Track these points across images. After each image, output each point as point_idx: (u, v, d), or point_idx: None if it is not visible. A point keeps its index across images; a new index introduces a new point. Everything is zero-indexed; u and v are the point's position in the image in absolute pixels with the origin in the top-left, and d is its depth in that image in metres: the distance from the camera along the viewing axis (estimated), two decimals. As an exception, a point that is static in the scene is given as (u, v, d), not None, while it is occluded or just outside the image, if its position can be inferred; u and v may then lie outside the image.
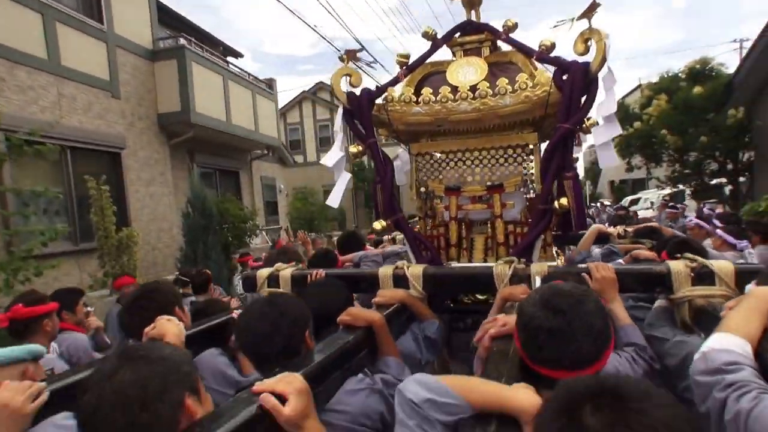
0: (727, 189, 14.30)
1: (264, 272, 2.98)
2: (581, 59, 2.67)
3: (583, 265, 2.56)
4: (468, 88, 2.88)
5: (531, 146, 3.07)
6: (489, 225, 3.20)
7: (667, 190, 17.11)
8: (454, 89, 2.92)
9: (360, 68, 3.16)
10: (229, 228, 10.94)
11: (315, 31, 16.76)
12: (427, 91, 2.92)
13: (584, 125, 2.71)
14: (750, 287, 1.85)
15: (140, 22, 10.77)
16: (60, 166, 8.62)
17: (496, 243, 3.10)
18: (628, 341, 2.03)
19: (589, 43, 2.63)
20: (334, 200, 3.21)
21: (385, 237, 4.68)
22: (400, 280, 2.69)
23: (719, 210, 8.00)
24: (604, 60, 2.59)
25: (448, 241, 3.21)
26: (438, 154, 3.23)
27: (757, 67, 10.64)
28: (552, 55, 2.83)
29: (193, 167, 12.00)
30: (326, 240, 12.33)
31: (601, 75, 2.65)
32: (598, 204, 21.74)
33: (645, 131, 13.36)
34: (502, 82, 2.81)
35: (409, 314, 2.52)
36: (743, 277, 2.16)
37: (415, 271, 2.69)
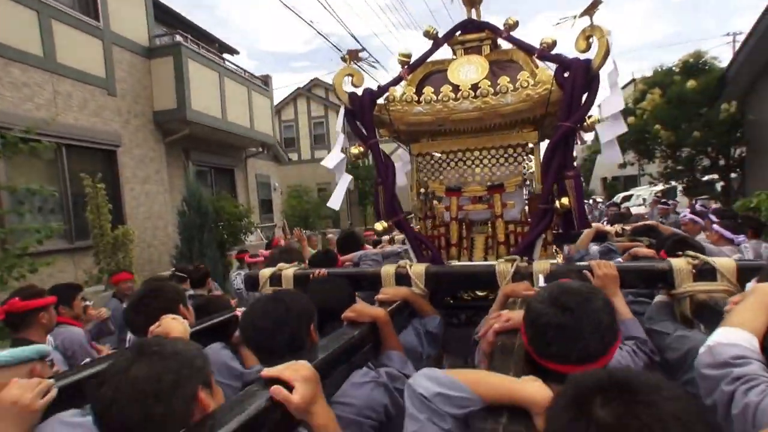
0: (719, 185, 14.38)
1: (266, 272, 3.00)
2: (583, 56, 2.68)
3: (585, 263, 2.59)
4: (469, 86, 2.89)
5: (531, 145, 3.08)
6: (489, 225, 3.21)
7: (660, 187, 17.17)
8: (456, 88, 2.92)
9: (361, 68, 3.17)
10: (224, 226, 10.93)
11: (311, 26, 16.75)
12: (428, 91, 2.92)
13: (585, 123, 2.72)
14: (751, 284, 1.88)
15: (136, 20, 10.73)
16: (55, 164, 8.59)
17: (497, 242, 3.11)
18: (629, 335, 2.06)
19: (590, 40, 2.64)
20: (335, 202, 3.22)
21: (384, 237, 4.70)
22: (401, 279, 2.73)
23: (715, 206, 8.06)
24: (605, 57, 2.60)
25: (448, 241, 3.22)
26: (438, 155, 3.24)
27: (749, 61, 10.70)
28: (553, 52, 2.85)
29: (189, 165, 11.96)
30: (321, 237, 12.32)
31: (605, 71, 2.66)
32: (591, 201, 21.79)
33: (638, 126, 13.39)
34: (504, 80, 2.82)
35: (410, 310, 2.57)
36: (745, 273, 2.19)
37: (417, 269, 2.72)
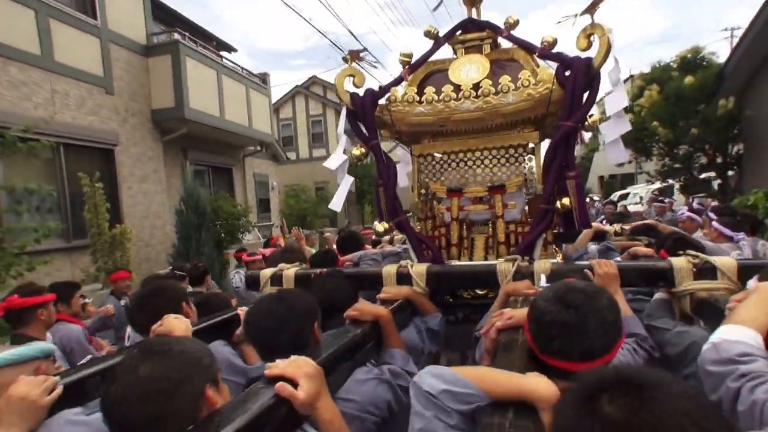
0: (716, 183, 14.38)
1: (267, 272, 3.01)
2: (584, 55, 2.68)
3: (585, 262, 2.61)
4: (471, 86, 2.89)
5: (532, 145, 3.09)
6: (489, 225, 3.22)
7: (657, 185, 17.18)
8: (457, 88, 2.93)
9: (363, 68, 3.17)
10: (221, 225, 10.93)
11: (310, 24, 16.71)
12: (430, 91, 2.93)
13: (587, 123, 2.72)
14: (752, 283, 1.89)
15: (134, 18, 10.69)
16: (53, 163, 8.57)
17: (497, 242, 3.12)
18: (629, 332, 2.07)
19: (591, 39, 2.65)
20: (336, 204, 3.23)
21: (384, 237, 4.71)
22: (402, 278, 2.74)
23: (714, 203, 8.08)
24: (607, 55, 2.61)
25: (448, 241, 3.23)
26: (440, 155, 3.24)
27: (747, 56, 10.60)
28: (554, 51, 2.85)
29: (187, 164, 11.93)
30: (319, 236, 12.32)
31: (606, 69, 2.67)
32: (588, 199, 21.83)
33: (636, 124, 13.38)
34: (505, 79, 2.83)
35: (412, 309, 2.59)
36: (746, 272, 2.20)
37: (418, 269, 2.73)
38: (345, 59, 3.08)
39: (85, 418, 1.49)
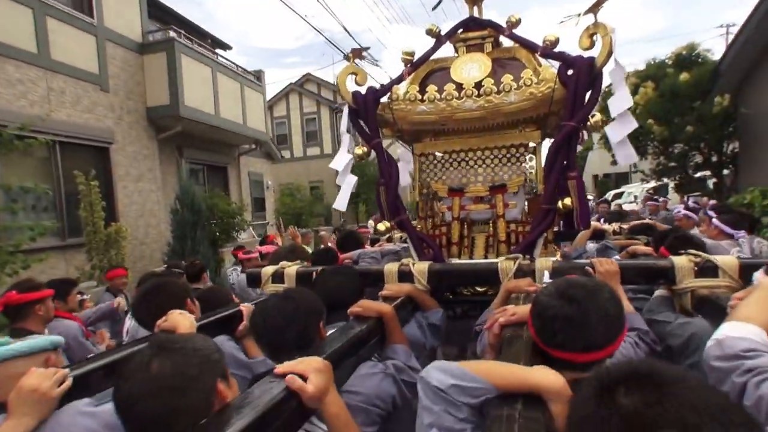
0: (711, 182, 14.43)
1: (269, 269, 3.01)
2: (586, 54, 2.69)
3: (586, 261, 2.62)
4: (473, 85, 2.89)
5: (534, 145, 3.10)
6: (490, 224, 3.23)
7: (652, 184, 17.24)
8: (459, 87, 2.93)
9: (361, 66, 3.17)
10: (217, 223, 10.91)
11: (305, 20, 16.64)
12: (432, 89, 2.93)
13: (589, 123, 2.73)
14: (758, 275, 1.91)
15: (130, 16, 10.64)
16: (48, 162, 8.53)
17: (497, 241, 3.14)
18: (631, 327, 2.10)
19: (594, 38, 2.66)
20: (341, 204, 3.23)
21: (383, 237, 4.72)
22: (404, 276, 2.75)
23: (712, 202, 8.11)
24: (609, 55, 2.61)
25: (449, 240, 3.24)
26: (441, 155, 3.25)
27: (743, 53, 10.63)
28: (556, 50, 2.85)
29: (182, 163, 11.89)
30: (314, 235, 12.31)
31: (608, 69, 2.67)
32: (582, 198, 21.81)
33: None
34: (507, 78, 2.83)
35: (414, 305, 2.61)
36: (747, 270, 2.22)
37: (420, 267, 2.74)
38: (347, 57, 3.08)
39: (95, 409, 1.51)
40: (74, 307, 4.11)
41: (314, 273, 2.78)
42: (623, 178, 28.15)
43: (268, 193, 17.58)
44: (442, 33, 3.20)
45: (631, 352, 1.94)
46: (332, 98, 26.56)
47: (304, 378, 1.36)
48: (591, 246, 3.94)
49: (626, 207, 14.50)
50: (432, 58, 3.22)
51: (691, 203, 8.96)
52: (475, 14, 3.25)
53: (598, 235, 4.12)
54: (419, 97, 2.96)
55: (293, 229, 6.61)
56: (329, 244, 5.91)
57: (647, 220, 5.14)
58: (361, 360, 1.91)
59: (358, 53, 3.07)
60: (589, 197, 23.03)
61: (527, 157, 3.15)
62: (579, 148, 3.35)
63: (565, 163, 2.79)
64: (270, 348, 1.87)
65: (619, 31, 2.62)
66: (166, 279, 2.50)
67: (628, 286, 2.59)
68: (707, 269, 2.34)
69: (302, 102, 26.58)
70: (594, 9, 2.64)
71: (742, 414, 0.82)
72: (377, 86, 3.09)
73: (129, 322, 3.24)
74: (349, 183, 3.19)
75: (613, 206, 12.37)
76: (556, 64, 2.83)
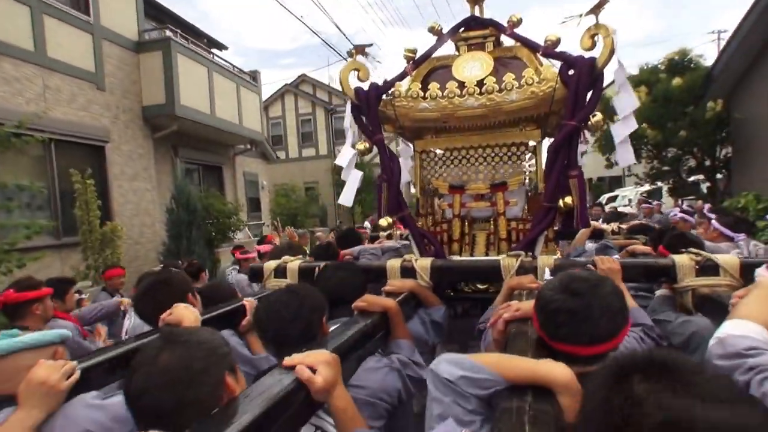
0: (705, 186, 14.51)
1: (271, 264, 3.02)
2: (587, 54, 2.70)
3: (588, 259, 2.64)
4: (475, 83, 2.91)
5: (534, 144, 3.12)
6: (491, 221, 3.24)
7: (646, 187, 17.32)
8: (461, 84, 2.94)
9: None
10: (212, 223, 10.87)
11: (301, 21, 16.67)
12: (434, 87, 2.94)
13: (590, 122, 2.75)
14: (760, 271, 1.92)
15: (126, 14, 10.63)
16: (43, 160, 8.49)
17: (498, 239, 3.15)
18: (635, 322, 2.11)
19: (595, 39, 2.67)
20: (347, 199, 3.23)
21: (381, 233, 4.75)
22: (406, 272, 2.76)
23: (708, 205, 8.17)
24: (611, 55, 2.63)
25: (450, 237, 3.25)
26: (442, 152, 3.26)
27: (735, 59, 10.71)
28: (557, 50, 2.87)
29: (177, 162, 11.85)
30: (310, 235, 12.30)
31: (611, 70, 2.69)
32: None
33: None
34: (509, 77, 2.84)
35: (417, 301, 2.62)
36: (748, 269, 2.22)
37: (423, 263, 2.75)
38: (350, 53, 3.09)
39: (103, 402, 1.52)
40: (72, 307, 4.08)
41: (316, 268, 2.78)
42: (617, 182, 28.22)
43: (263, 193, 17.55)
44: (444, 31, 3.21)
45: (635, 347, 1.95)
46: (328, 99, 26.56)
47: (312, 370, 1.36)
48: (590, 246, 3.96)
49: (621, 210, 14.57)
50: (434, 56, 3.23)
51: (685, 207, 9.01)
52: (477, 14, 3.26)
53: (597, 235, 4.14)
54: (421, 94, 2.97)
55: (290, 230, 6.62)
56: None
57: (646, 221, 5.16)
58: (366, 355, 1.92)
59: (361, 50, 3.08)
60: (584, 200, 23.10)
61: (527, 156, 3.16)
62: (585, 148, 3.38)
63: (565, 162, 2.80)
64: (273, 343, 1.88)
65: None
66: (168, 273, 2.51)
67: (628, 284, 2.61)
68: (708, 268, 2.36)
69: (297, 103, 26.56)
70: (595, 10, 2.66)
71: (756, 405, 0.83)
72: (379, 83, 3.09)
73: (128, 323, 3.22)
74: (354, 178, 3.20)
75: (608, 209, 12.41)
76: (558, 63, 2.85)
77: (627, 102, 2.79)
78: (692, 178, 14.77)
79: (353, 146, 3.10)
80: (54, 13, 8.70)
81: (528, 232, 2.97)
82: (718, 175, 13.79)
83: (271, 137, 24.30)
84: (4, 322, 3.26)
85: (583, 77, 2.67)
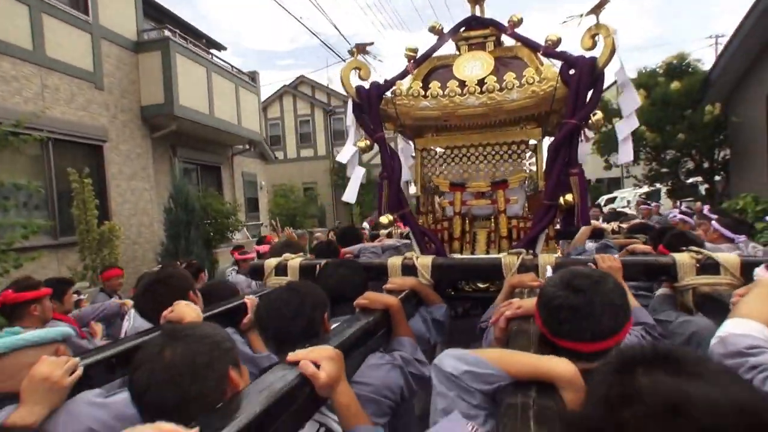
0: (703, 188, 14.55)
1: (272, 261, 3.01)
2: (588, 54, 2.71)
3: (589, 257, 2.64)
4: (476, 82, 2.91)
5: (534, 142, 3.13)
6: (491, 219, 3.25)
7: (644, 189, 17.36)
8: (462, 84, 2.95)
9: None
10: (210, 223, 10.85)
11: (300, 22, 16.66)
12: (435, 85, 2.94)
13: (590, 121, 2.76)
14: (759, 271, 1.92)
15: (125, 14, 10.62)
16: (41, 159, 8.47)
17: (499, 237, 3.15)
18: (637, 321, 2.11)
19: (596, 39, 2.68)
20: (350, 196, 3.23)
21: (382, 231, 4.75)
22: (407, 270, 2.76)
23: (707, 206, 8.20)
24: (611, 55, 2.64)
25: (451, 235, 3.25)
26: (443, 150, 3.26)
27: (733, 63, 10.83)
28: (558, 49, 2.87)
29: (175, 162, 11.83)
30: (309, 236, 12.30)
31: (613, 70, 2.70)
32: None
33: (623, 127, 13.44)
34: (510, 76, 2.85)
35: (418, 299, 2.62)
36: (748, 268, 2.22)
37: (424, 261, 2.75)
38: (351, 52, 3.09)
39: (106, 400, 1.51)
40: (70, 308, 4.05)
41: (317, 266, 2.78)
42: (615, 183, 28.24)
43: (262, 193, 17.55)
44: (445, 31, 3.21)
45: (636, 344, 1.96)
46: (326, 101, 26.56)
47: (315, 366, 1.36)
48: (590, 245, 3.96)
49: (619, 211, 14.59)
50: (434, 55, 3.23)
51: (683, 208, 9.02)
52: (477, 13, 3.26)
53: (597, 234, 4.14)
54: (422, 93, 2.97)
55: (289, 230, 6.61)
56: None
57: (645, 220, 5.17)
58: (368, 352, 1.92)
59: (362, 48, 3.08)
60: (582, 202, 23.12)
61: (527, 154, 3.17)
62: (588, 146, 3.40)
63: (566, 160, 2.80)
64: (275, 340, 1.86)
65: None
66: (170, 270, 2.50)
67: (629, 284, 2.61)
68: (708, 266, 2.36)
69: (296, 104, 26.57)
70: (596, 10, 2.67)
71: (762, 398, 0.82)
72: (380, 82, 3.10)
73: (127, 324, 3.20)
74: (357, 175, 3.21)
75: (607, 209, 12.44)
76: (558, 63, 2.86)
77: (630, 100, 2.81)
78: (690, 180, 14.84)
79: (354, 144, 3.10)
80: (53, 12, 8.69)
81: (529, 230, 2.98)
82: (717, 177, 13.85)
83: (270, 137, 24.31)
84: (2, 323, 3.24)
85: (583, 77, 2.68)
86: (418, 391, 2.01)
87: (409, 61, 3.15)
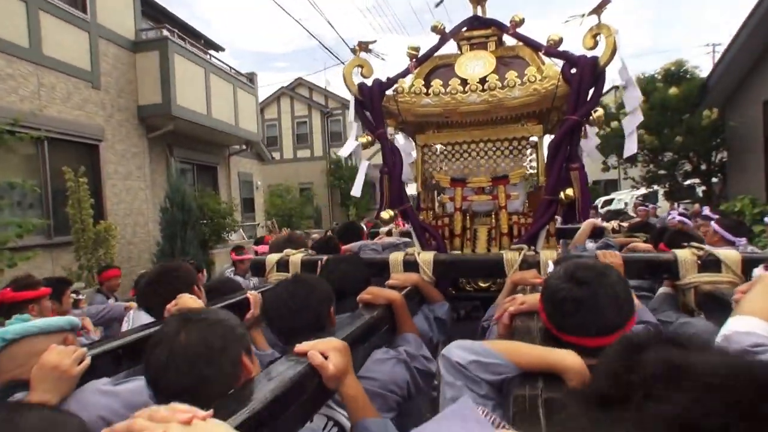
0: (700, 190, 14.63)
1: (274, 257, 3.00)
2: (590, 54, 2.72)
3: (590, 254, 2.64)
4: (477, 80, 2.92)
5: (535, 139, 3.13)
6: (492, 216, 3.25)
7: (642, 191, 17.41)
8: (464, 81, 2.95)
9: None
10: (207, 223, 10.82)
11: (300, 24, 16.67)
12: (437, 83, 2.95)
13: (591, 118, 2.77)
14: (758, 271, 1.92)
15: (123, 13, 10.61)
16: (36, 158, 8.44)
17: (500, 233, 3.15)
18: (639, 320, 2.10)
19: (597, 38, 2.69)
20: (356, 189, 3.25)
21: (383, 229, 4.74)
22: (409, 266, 2.74)
23: (706, 208, 8.24)
24: (613, 55, 2.65)
25: (451, 232, 3.25)
26: (444, 146, 3.27)
27: (729, 71, 11.07)
28: (560, 49, 2.88)
29: (172, 161, 11.81)
30: (306, 237, 12.30)
31: (616, 69, 2.72)
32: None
33: (622, 131, 13.54)
34: (512, 74, 2.86)
35: (420, 296, 2.60)
36: (750, 265, 2.23)
37: (426, 257, 2.73)
38: (353, 50, 3.10)
39: (115, 388, 1.51)
40: (68, 308, 4.02)
41: (319, 261, 2.77)
42: (613, 185, 28.25)
43: (258, 193, 17.53)
44: (446, 31, 3.22)
45: None
46: (324, 102, 26.57)
47: (325, 357, 1.36)
48: (591, 245, 3.96)
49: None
50: (436, 55, 3.24)
51: (681, 210, 9.05)
52: (479, 13, 3.27)
53: (597, 234, 4.14)
54: (424, 90, 2.98)
55: (287, 231, 6.59)
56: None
57: (645, 219, 5.17)
58: (372, 347, 1.91)
59: (364, 46, 3.08)
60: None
61: (528, 151, 3.18)
62: (595, 140, 3.43)
63: (567, 156, 2.82)
64: (281, 334, 1.86)
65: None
66: (174, 264, 2.48)
67: (630, 284, 2.61)
68: (710, 263, 2.36)
69: (293, 105, 26.58)
70: (598, 10, 2.68)
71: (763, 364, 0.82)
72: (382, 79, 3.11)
73: (126, 326, 3.18)
74: (362, 168, 3.24)
75: (604, 212, 12.49)
76: (560, 62, 2.87)
77: (633, 97, 2.83)
78: (688, 182, 14.90)
79: (356, 139, 3.11)
80: (50, 10, 8.66)
81: (530, 227, 2.98)
82: (714, 180, 13.96)
83: (266, 138, 24.29)
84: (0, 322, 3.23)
85: (585, 75, 2.69)
86: (425, 388, 2.00)
87: (410, 59, 3.15)
